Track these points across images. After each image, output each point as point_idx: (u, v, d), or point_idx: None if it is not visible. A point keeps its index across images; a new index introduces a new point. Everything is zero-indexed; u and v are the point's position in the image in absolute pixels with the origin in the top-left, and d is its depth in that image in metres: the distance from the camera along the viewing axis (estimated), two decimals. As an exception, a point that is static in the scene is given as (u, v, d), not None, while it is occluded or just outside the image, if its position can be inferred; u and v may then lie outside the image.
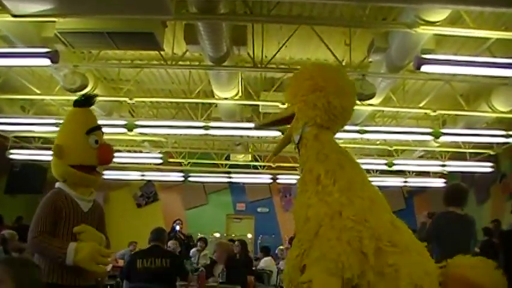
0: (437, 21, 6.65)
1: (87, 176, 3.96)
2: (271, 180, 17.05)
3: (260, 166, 16.76)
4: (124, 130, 10.62)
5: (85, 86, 8.76)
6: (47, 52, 7.24)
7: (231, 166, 16.95)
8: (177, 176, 17.13)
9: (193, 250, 11.32)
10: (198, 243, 11.51)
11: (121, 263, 11.06)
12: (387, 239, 2.60)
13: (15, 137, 13.65)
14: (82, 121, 4.09)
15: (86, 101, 4.20)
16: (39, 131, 12.24)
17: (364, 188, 2.86)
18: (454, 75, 8.60)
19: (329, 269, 2.48)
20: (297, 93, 3.07)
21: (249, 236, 17.28)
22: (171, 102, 12.46)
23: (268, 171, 16.66)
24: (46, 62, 7.31)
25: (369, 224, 2.61)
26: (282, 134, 3.36)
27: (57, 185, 3.98)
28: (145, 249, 6.94)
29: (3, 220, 11.57)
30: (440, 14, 6.54)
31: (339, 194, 2.72)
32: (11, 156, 14.00)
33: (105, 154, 4.01)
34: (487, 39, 7.49)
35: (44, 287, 2.82)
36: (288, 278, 2.78)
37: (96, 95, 4.43)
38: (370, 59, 8.58)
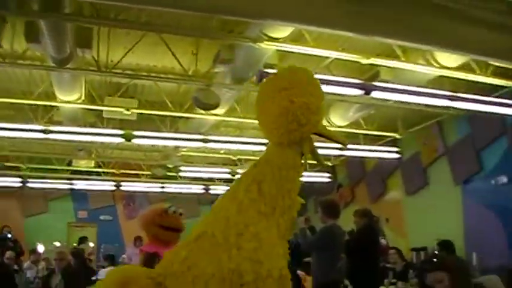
0: (280, 38, 6.97)
1: None
2: (114, 188, 16.70)
3: (103, 172, 16.36)
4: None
5: None
6: None
7: (73, 172, 16.41)
8: (14, 182, 16.17)
9: (27, 263, 10.49)
10: (31, 256, 10.67)
11: None
12: None
13: None
14: None
15: None
16: None
17: None
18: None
19: None
20: None
21: (91, 244, 16.67)
22: (9, 103, 11.72)
23: (111, 178, 16.30)
24: None
25: None
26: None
27: None
28: None
29: None
30: (283, 31, 6.85)
31: None
32: None
33: None
34: (326, 58, 8.03)
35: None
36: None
37: None
38: (215, 70, 8.72)
